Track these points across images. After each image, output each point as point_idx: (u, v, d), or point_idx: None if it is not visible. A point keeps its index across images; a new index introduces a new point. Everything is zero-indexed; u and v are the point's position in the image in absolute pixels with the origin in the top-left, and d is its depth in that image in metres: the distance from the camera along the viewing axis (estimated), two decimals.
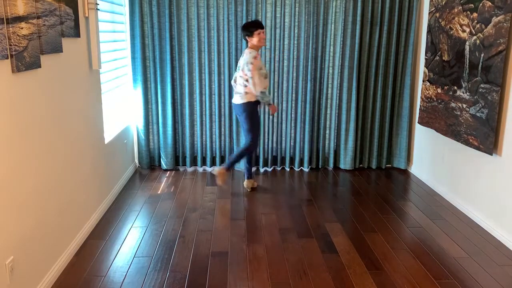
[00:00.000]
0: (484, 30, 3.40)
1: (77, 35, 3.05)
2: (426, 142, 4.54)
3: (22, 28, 2.21)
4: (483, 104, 3.42)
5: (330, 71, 4.78)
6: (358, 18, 4.54)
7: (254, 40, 3.86)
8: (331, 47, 4.70)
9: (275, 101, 4.78)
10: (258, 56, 3.88)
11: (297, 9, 4.58)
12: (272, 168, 4.99)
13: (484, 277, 2.77)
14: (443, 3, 4.04)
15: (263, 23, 4.58)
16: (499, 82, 3.23)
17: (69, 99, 2.97)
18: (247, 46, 3.98)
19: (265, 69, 3.94)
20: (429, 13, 4.32)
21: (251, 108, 3.96)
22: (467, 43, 3.64)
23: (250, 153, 4.11)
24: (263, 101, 3.90)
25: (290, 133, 4.90)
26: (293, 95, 4.77)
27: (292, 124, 4.87)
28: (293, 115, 4.83)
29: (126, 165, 4.50)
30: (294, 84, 4.74)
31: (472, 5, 3.56)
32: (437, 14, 4.15)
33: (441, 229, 3.46)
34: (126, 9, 4.52)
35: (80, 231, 3.14)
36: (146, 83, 4.68)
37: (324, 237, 3.29)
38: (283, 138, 4.90)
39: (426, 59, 4.39)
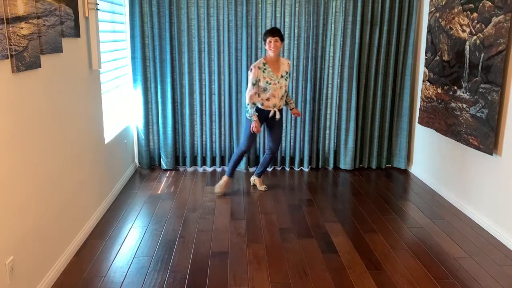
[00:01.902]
0: (484, 30, 3.39)
1: (77, 35, 3.05)
2: (426, 142, 4.54)
3: (22, 28, 2.21)
4: (483, 104, 3.42)
5: (330, 71, 4.78)
6: (358, 18, 4.54)
7: (266, 47, 3.87)
8: (331, 47, 4.70)
9: None
10: (256, 69, 3.82)
11: (297, 9, 4.58)
12: (272, 168, 4.99)
13: (484, 277, 2.77)
14: (443, 3, 4.04)
15: (263, 23, 4.59)
16: (499, 82, 3.23)
17: (69, 99, 2.97)
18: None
19: (264, 82, 3.84)
20: (429, 13, 4.32)
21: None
22: (467, 43, 3.64)
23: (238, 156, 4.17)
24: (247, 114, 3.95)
25: (290, 133, 4.90)
26: (293, 95, 4.77)
27: (292, 124, 4.87)
28: (293, 115, 4.83)
29: (126, 165, 4.50)
30: (294, 84, 4.74)
31: (472, 5, 3.56)
32: (437, 14, 4.15)
33: (441, 229, 3.46)
34: (126, 9, 4.52)
35: (80, 231, 3.14)
36: (146, 83, 4.68)
37: (324, 237, 3.29)
38: (283, 138, 4.90)
39: (426, 59, 4.39)
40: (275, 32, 3.80)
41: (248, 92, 3.87)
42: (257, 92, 3.89)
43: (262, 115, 3.97)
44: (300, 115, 4.17)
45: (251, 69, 3.83)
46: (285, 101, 4.10)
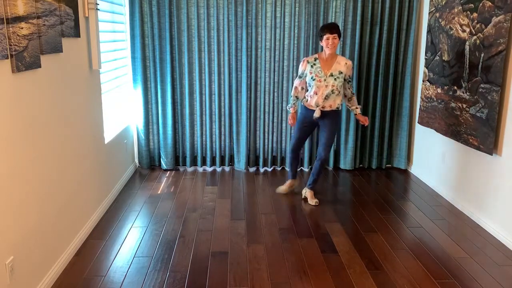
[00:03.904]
0: (484, 30, 3.40)
1: (77, 35, 3.05)
2: (426, 142, 4.54)
3: (22, 28, 2.21)
4: (483, 104, 3.42)
5: None
6: (358, 18, 4.54)
7: (323, 44, 3.68)
8: None
9: (275, 100, 4.78)
10: (304, 63, 3.76)
11: (297, 9, 4.58)
12: (272, 168, 4.99)
13: (484, 277, 2.77)
14: (443, 3, 4.04)
15: (263, 23, 4.58)
16: (499, 82, 3.23)
17: (69, 99, 2.97)
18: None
19: (309, 77, 3.73)
20: (429, 13, 4.32)
21: (300, 113, 3.93)
22: (467, 43, 3.64)
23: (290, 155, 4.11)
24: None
25: (290, 133, 4.89)
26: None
27: None
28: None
29: (126, 165, 4.50)
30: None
31: (472, 5, 3.56)
32: (437, 14, 4.15)
33: (441, 229, 3.46)
34: (126, 9, 4.52)
35: (80, 231, 3.14)
36: (146, 83, 4.68)
37: (324, 237, 3.29)
38: (283, 138, 4.90)
39: (426, 59, 4.39)
40: (334, 28, 3.59)
41: (294, 84, 3.87)
42: (303, 87, 3.81)
43: (308, 115, 3.82)
44: (366, 123, 3.84)
45: (301, 62, 3.81)
46: (349, 105, 3.87)
